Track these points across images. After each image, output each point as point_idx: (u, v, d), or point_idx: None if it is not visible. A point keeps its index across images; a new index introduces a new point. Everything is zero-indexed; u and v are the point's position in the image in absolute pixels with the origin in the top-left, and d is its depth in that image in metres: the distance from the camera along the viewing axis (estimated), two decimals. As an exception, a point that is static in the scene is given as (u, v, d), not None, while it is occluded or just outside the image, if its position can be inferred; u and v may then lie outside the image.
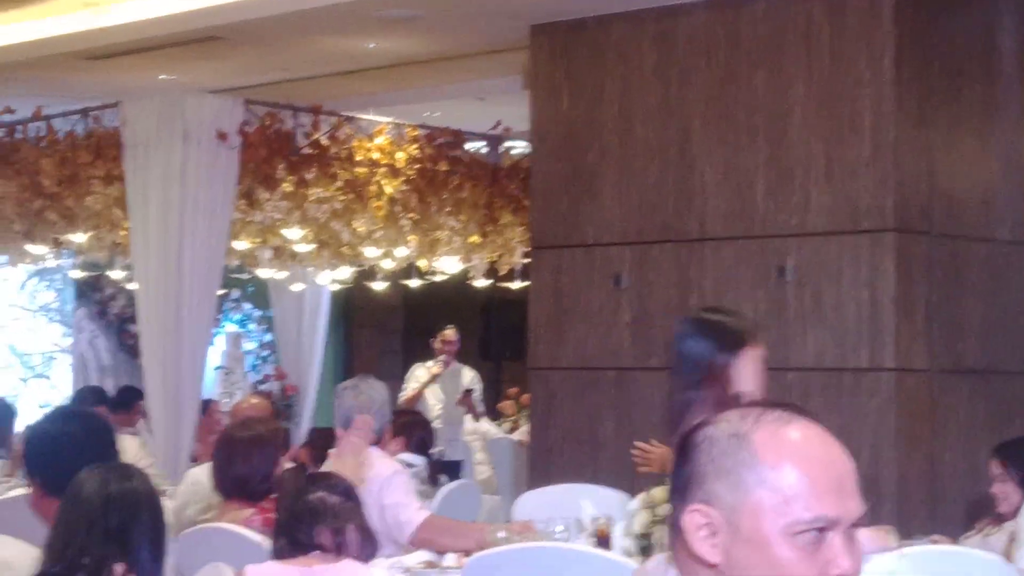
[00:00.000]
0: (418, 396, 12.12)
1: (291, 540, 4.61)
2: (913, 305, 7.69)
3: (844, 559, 2.10)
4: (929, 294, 7.77)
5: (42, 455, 4.46)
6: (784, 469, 2.10)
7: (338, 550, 4.59)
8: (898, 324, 7.58)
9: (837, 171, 7.77)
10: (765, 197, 8.00)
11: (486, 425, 12.87)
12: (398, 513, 5.98)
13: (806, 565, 2.09)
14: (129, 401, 10.63)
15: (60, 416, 4.84)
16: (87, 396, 9.49)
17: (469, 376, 12.67)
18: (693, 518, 2.15)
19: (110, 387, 14.67)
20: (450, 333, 12.64)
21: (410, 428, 8.20)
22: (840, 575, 2.10)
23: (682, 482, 2.18)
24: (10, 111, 10.66)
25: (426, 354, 12.77)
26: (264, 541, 5.11)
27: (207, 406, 10.97)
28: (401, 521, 5.98)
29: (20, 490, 6.81)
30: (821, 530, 2.10)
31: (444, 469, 10.56)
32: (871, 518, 2.15)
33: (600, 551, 5.19)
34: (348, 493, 4.77)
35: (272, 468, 5.86)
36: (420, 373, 12.32)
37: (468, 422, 12.45)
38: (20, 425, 10.04)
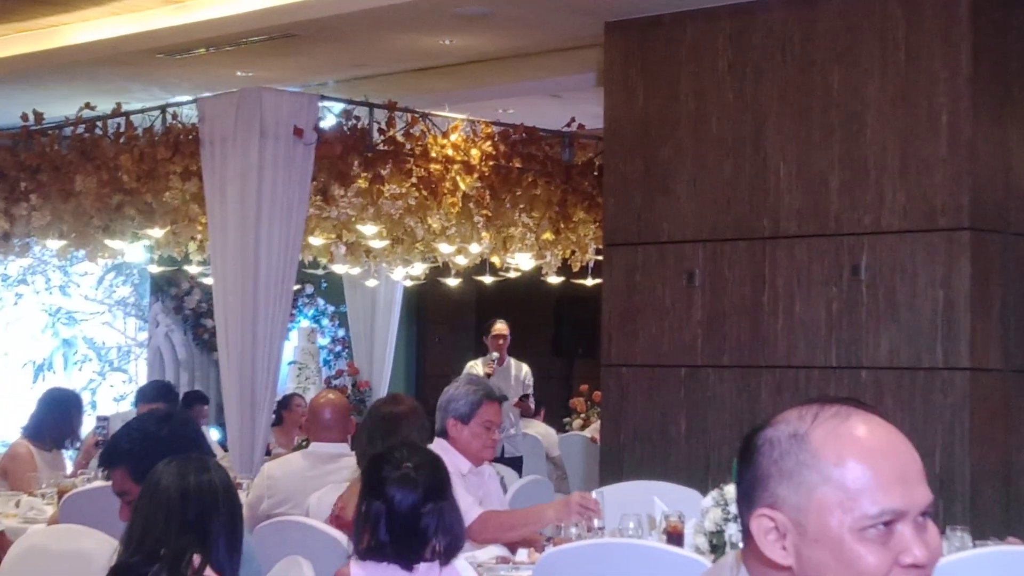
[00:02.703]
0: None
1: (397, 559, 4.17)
2: (988, 304, 7.64)
3: (916, 548, 2.08)
4: (1004, 293, 7.71)
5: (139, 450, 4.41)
6: (846, 465, 2.09)
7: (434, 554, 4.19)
8: (972, 323, 7.53)
9: (912, 169, 7.72)
10: (839, 195, 7.97)
11: (539, 427, 12.59)
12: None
13: (878, 559, 2.07)
14: (192, 404, 10.79)
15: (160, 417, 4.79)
16: (157, 390, 9.50)
17: (524, 370, 12.38)
18: (760, 523, 2.14)
19: (185, 381, 14.85)
20: (501, 327, 12.18)
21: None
22: (913, 564, 2.08)
23: (746, 487, 2.18)
24: (90, 107, 10.77)
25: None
26: (341, 537, 5.12)
27: (290, 401, 11.06)
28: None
29: (99, 482, 6.90)
30: (889, 523, 2.08)
31: (506, 465, 10.57)
32: (944, 519, 2.13)
33: (672, 548, 5.20)
34: (441, 490, 4.26)
35: None
36: (476, 372, 12.15)
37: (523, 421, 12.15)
38: (89, 419, 10.17)
